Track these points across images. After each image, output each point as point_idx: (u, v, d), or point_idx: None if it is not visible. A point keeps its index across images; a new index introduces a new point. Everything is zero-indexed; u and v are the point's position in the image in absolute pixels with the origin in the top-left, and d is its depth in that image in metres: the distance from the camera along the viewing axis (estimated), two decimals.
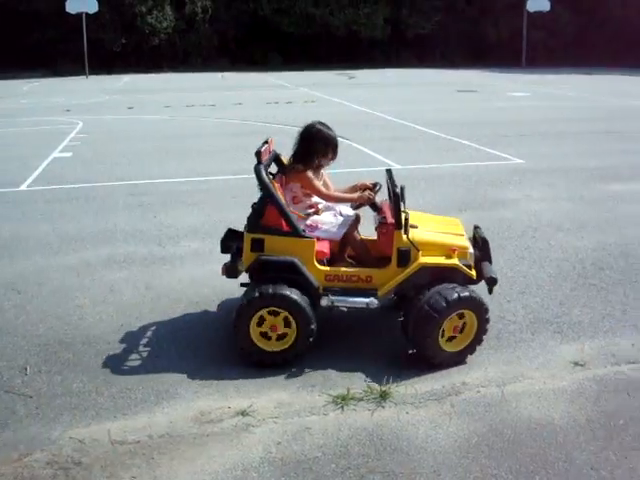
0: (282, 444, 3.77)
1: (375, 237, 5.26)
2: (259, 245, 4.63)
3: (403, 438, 3.82)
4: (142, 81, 35.73)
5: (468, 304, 4.51)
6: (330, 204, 5.09)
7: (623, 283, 6.15)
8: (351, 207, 5.14)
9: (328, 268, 4.71)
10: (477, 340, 4.65)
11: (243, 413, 4.06)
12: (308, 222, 4.88)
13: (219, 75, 39.23)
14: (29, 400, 4.24)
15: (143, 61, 45.09)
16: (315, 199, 5.03)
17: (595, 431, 3.89)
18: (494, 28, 47.56)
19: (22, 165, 11.98)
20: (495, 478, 3.49)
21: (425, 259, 4.61)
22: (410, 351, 4.77)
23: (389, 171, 5.16)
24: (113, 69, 42.62)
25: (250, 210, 4.80)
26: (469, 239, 5.02)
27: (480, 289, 4.76)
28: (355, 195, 5.03)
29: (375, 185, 5.12)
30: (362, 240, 5.11)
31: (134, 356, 4.81)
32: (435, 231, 4.87)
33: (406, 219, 4.59)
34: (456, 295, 4.45)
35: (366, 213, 5.23)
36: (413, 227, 4.68)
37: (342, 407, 4.13)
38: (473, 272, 4.75)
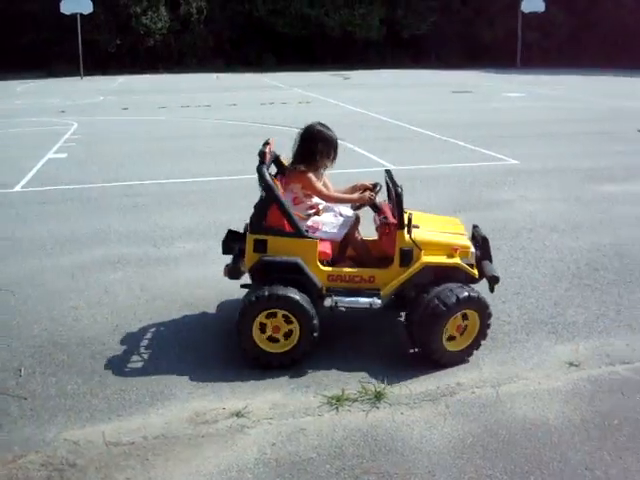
0: (277, 445, 3.77)
1: (374, 237, 5.28)
2: (262, 246, 4.62)
3: (398, 439, 3.82)
4: (137, 82, 35.70)
5: (472, 304, 4.54)
6: (330, 205, 5.10)
7: (617, 283, 6.16)
8: (351, 207, 5.15)
9: (330, 268, 4.71)
10: (480, 339, 4.68)
11: (238, 414, 4.05)
12: (309, 223, 4.87)
13: (214, 76, 39.22)
14: (23, 402, 4.23)
15: (138, 62, 45.07)
16: (315, 200, 5.02)
17: (590, 431, 3.89)
18: (489, 29, 47.64)
19: (16, 166, 11.95)
20: (490, 478, 3.49)
21: (428, 258, 4.63)
22: (412, 350, 4.79)
23: (389, 171, 5.18)
24: (108, 70, 42.56)
25: (248, 211, 4.79)
26: (469, 238, 5.04)
27: (479, 288, 4.77)
28: (356, 196, 5.03)
29: (375, 185, 5.13)
30: (363, 240, 5.12)
31: (129, 357, 4.80)
32: (437, 231, 4.89)
33: (409, 219, 4.61)
34: (465, 294, 4.49)
35: (365, 213, 5.23)
36: (415, 227, 4.70)
37: (337, 408, 4.13)
38: (475, 271, 4.78)
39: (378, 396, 4.23)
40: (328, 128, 5.02)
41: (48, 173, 11.40)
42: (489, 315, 4.63)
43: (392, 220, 4.79)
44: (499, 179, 10.53)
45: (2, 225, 8.22)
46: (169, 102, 23.54)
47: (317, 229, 4.83)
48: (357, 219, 5.05)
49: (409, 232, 4.60)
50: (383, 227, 4.99)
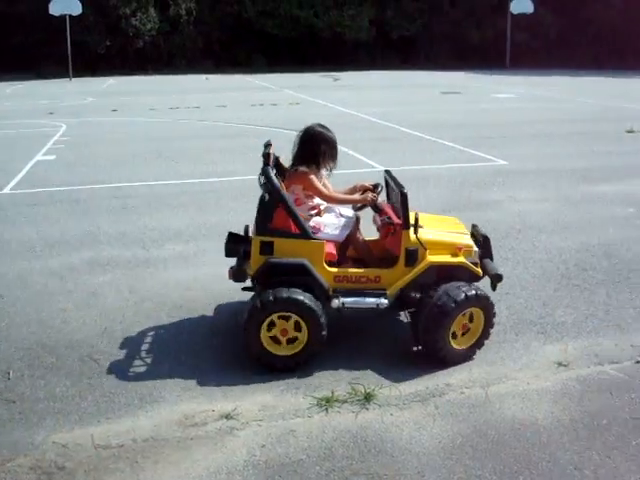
0: (266, 447, 3.77)
1: (373, 237, 5.31)
2: (268, 248, 4.61)
3: (387, 440, 3.83)
4: (126, 83, 35.59)
5: (478, 302, 4.60)
6: (330, 205, 5.11)
7: (606, 284, 6.19)
8: (352, 208, 5.16)
9: (336, 269, 4.72)
10: (484, 337, 4.74)
11: (227, 416, 4.05)
12: (311, 224, 4.86)
13: (203, 77, 39.13)
14: (12, 405, 4.21)
15: (127, 63, 44.89)
16: (317, 201, 5.03)
17: (578, 431, 3.91)
18: (478, 30, 47.71)
19: (5, 168, 11.89)
20: (479, 479, 3.50)
21: (433, 258, 4.67)
22: (415, 348, 4.83)
23: (389, 172, 5.22)
24: (97, 71, 42.37)
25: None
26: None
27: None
28: (358, 197, 5.06)
29: (376, 186, 5.15)
30: (364, 241, 5.14)
31: (118, 360, 4.79)
32: (440, 230, 4.94)
33: (416, 219, 4.64)
34: (471, 292, 4.55)
35: (364, 213, 5.26)
36: (419, 227, 4.73)
37: (326, 409, 4.13)
38: (479, 270, 4.82)
39: (368, 397, 4.24)
40: (328, 129, 5.04)
41: (37, 175, 11.35)
42: (493, 313, 4.71)
43: (397, 220, 4.82)
44: (488, 180, 10.55)
45: None
46: (158, 103, 23.48)
47: (319, 230, 4.83)
48: (357, 219, 5.08)
49: (415, 232, 4.63)
50: (387, 227, 5.01)
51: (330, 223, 4.93)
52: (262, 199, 4.77)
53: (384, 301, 4.65)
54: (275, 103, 23.14)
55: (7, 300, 5.86)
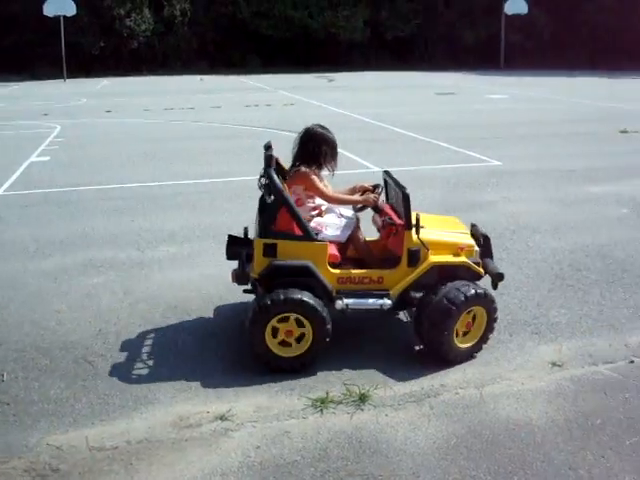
0: (261, 448, 3.76)
1: (373, 238, 5.33)
2: (272, 250, 4.60)
3: (382, 441, 3.83)
4: (121, 84, 35.54)
5: (480, 300, 4.63)
6: (330, 206, 5.11)
7: (600, 284, 6.20)
8: (353, 209, 5.17)
9: (339, 271, 4.72)
10: (487, 335, 4.78)
11: (222, 417, 4.05)
12: (312, 224, 4.86)
13: (198, 78, 39.09)
14: (6, 407, 4.20)
15: (122, 64, 44.80)
16: (318, 201, 5.03)
17: (573, 431, 3.92)
18: (472, 31, 47.76)
19: None
20: (474, 479, 3.50)
21: (435, 258, 4.70)
22: (417, 347, 4.86)
23: (388, 172, 5.23)
24: (92, 72, 42.29)
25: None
26: None
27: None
28: (360, 197, 5.08)
29: (376, 187, 5.17)
30: (365, 241, 5.15)
31: (112, 362, 4.78)
32: (442, 230, 4.96)
33: (417, 219, 4.65)
34: (474, 291, 4.59)
35: (363, 214, 5.27)
36: (421, 227, 4.74)
37: (321, 410, 4.13)
38: (481, 269, 4.86)
39: (362, 398, 4.24)
40: (328, 130, 5.08)
41: (31, 176, 11.32)
42: (495, 311, 4.74)
43: (398, 221, 4.83)
44: (482, 180, 10.57)
45: None
46: (153, 104, 23.45)
47: (320, 231, 4.83)
48: (357, 220, 5.09)
49: (417, 232, 4.64)
50: (389, 228, 5.01)
51: (332, 224, 4.94)
52: (263, 201, 4.78)
53: (388, 302, 4.67)
54: (270, 104, 23.14)
55: (1, 302, 5.85)
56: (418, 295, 4.72)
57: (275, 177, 4.61)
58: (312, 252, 4.62)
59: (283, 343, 4.54)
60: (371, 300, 4.67)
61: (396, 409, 4.15)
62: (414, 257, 4.67)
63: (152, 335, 5.20)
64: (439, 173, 11.14)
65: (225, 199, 9.42)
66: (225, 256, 5.19)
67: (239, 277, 4.89)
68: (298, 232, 4.64)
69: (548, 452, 3.71)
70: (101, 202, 9.43)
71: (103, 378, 4.54)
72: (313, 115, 18.17)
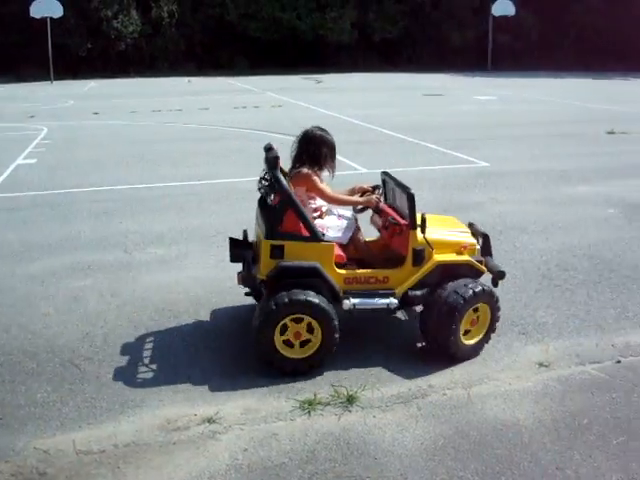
0: (249, 450, 3.76)
1: (372, 238, 5.37)
2: (279, 251, 4.60)
3: (370, 442, 3.83)
4: (108, 86, 35.41)
5: (485, 297, 4.69)
6: (329, 208, 5.13)
7: (587, 284, 6.23)
8: (353, 210, 5.20)
9: (345, 271, 4.74)
10: (490, 331, 4.84)
11: (209, 420, 4.04)
12: None
13: (186, 80, 39.01)
14: None
15: (109, 66, 44.65)
16: (319, 203, 5.04)
17: (560, 431, 3.93)
18: (460, 32, 47.87)
19: None
20: None
21: (439, 257, 4.75)
22: (420, 344, 4.92)
23: (388, 173, 5.26)
24: (79, 74, 42.10)
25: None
26: None
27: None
28: (362, 198, 5.12)
29: (375, 188, 5.21)
30: (366, 242, 5.18)
31: (99, 365, 4.76)
32: (444, 230, 5.00)
33: (423, 219, 4.69)
34: (479, 288, 4.65)
35: (362, 215, 5.30)
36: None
37: (309, 412, 4.13)
38: (483, 267, 4.92)
39: (350, 399, 4.24)
40: (327, 132, 5.10)
41: (17, 179, 11.27)
42: (498, 309, 4.81)
43: (402, 221, 4.86)
44: (470, 181, 10.60)
45: None
46: (140, 106, 23.38)
47: (322, 233, 4.83)
48: (356, 221, 5.12)
49: (423, 232, 4.67)
50: (393, 228, 5.03)
51: (333, 225, 4.96)
52: (264, 202, 4.78)
53: (394, 301, 4.70)
54: (257, 105, 23.12)
55: None
56: (418, 293, 4.75)
57: (282, 179, 4.63)
58: (319, 253, 4.63)
59: (291, 344, 4.54)
60: (378, 300, 4.70)
61: (384, 410, 4.15)
62: (419, 256, 4.72)
63: (139, 338, 5.18)
64: (427, 174, 11.16)
65: (213, 201, 9.40)
66: (229, 259, 5.20)
67: (245, 279, 4.89)
68: (305, 233, 4.65)
69: (535, 452, 3.73)
70: (88, 204, 9.40)
71: (90, 381, 4.52)
72: (301, 117, 18.18)
